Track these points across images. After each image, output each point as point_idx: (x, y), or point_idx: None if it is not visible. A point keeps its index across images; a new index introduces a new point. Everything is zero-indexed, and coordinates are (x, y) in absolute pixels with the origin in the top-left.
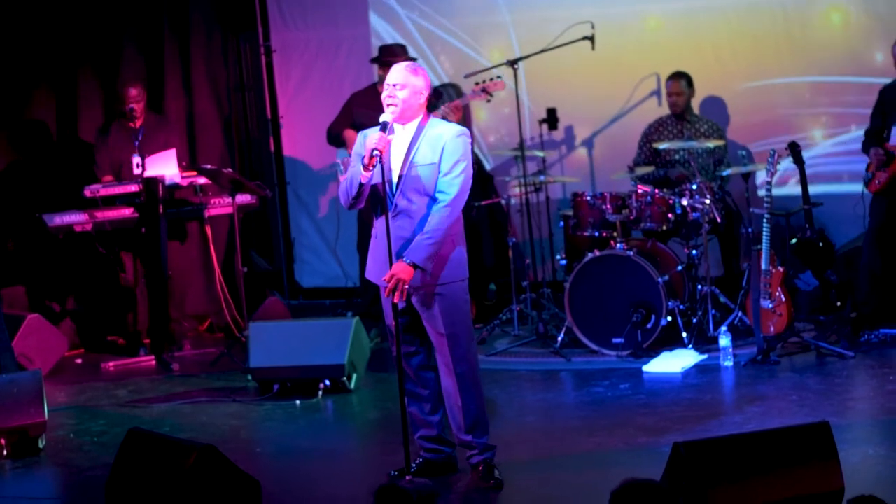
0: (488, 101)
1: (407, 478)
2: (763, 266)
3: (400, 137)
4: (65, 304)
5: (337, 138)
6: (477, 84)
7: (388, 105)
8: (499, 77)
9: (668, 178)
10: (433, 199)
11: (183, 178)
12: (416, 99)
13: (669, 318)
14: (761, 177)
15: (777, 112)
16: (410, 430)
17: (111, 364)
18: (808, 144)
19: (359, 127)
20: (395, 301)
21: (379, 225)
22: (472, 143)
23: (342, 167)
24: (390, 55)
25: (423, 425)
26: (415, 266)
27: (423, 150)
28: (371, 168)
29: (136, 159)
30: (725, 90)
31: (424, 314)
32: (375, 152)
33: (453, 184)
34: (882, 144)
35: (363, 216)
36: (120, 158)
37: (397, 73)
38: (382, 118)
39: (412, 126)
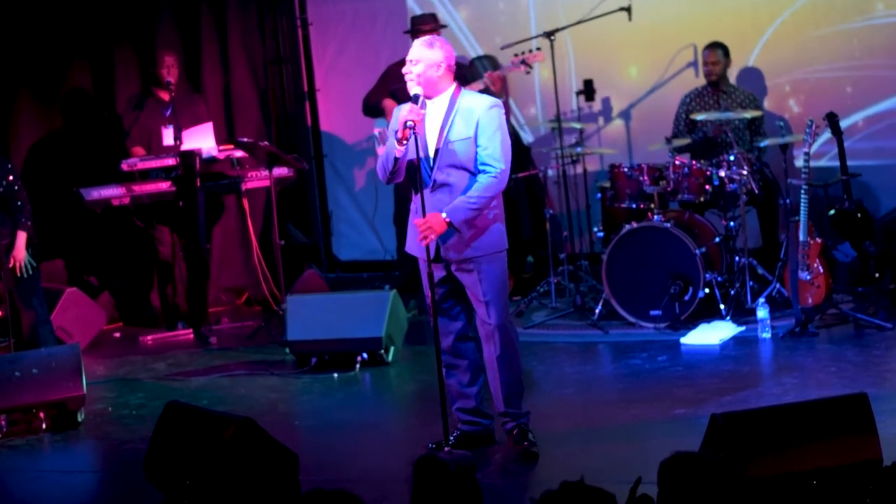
0: (527, 72)
1: (446, 449)
2: (801, 237)
3: (432, 111)
4: (103, 277)
5: (375, 109)
6: (516, 55)
7: (408, 80)
8: (538, 49)
9: (706, 138)
10: (471, 173)
11: (220, 151)
12: (432, 72)
13: (707, 290)
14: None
15: (816, 82)
16: (448, 402)
17: (149, 337)
18: (846, 114)
19: (397, 99)
20: (424, 244)
21: (417, 199)
22: (506, 114)
23: (379, 138)
24: (421, 25)
25: (459, 397)
26: (450, 224)
27: (457, 125)
28: (405, 141)
29: (166, 131)
30: (763, 60)
31: (466, 283)
32: (409, 123)
33: (497, 158)
34: None
35: (400, 190)
36: (149, 129)
37: (413, 47)
38: (412, 91)
39: (443, 99)
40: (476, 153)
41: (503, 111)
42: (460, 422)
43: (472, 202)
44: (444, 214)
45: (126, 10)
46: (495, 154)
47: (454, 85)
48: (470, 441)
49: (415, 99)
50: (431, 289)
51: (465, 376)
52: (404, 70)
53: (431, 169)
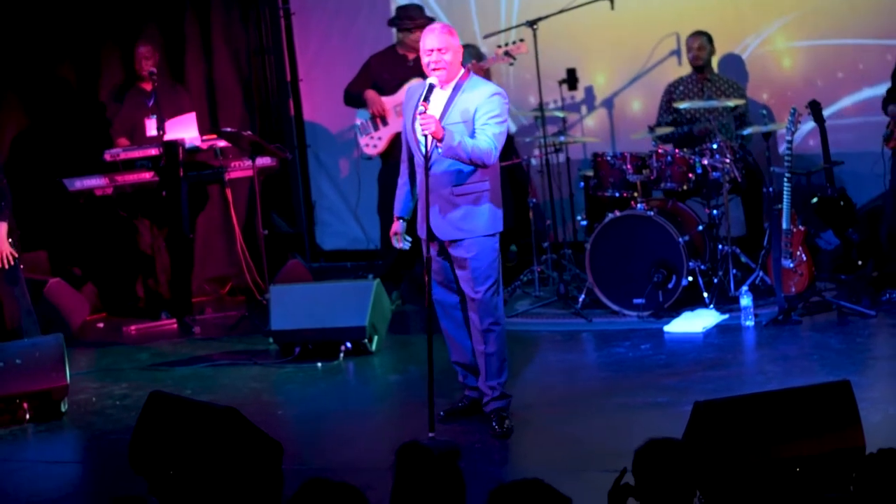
0: (511, 64)
1: (430, 435)
2: (784, 225)
3: (438, 95)
4: (86, 268)
5: (357, 99)
6: (499, 47)
7: (436, 70)
8: (521, 40)
9: (691, 133)
10: None
11: (203, 141)
12: (457, 58)
13: (690, 278)
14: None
15: (799, 70)
16: (459, 377)
17: (133, 327)
18: (829, 102)
19: (379, 89)
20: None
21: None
22: (507, 103)
23: (360, 129)
24: (408, 17)
25: (464, 365)
26: (441, 138)
27: (456, 109)
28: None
29: (149, 122)
30: (746, 48)
31: (456, 260)
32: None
33: (488, 139)
34: None
35: (383, 179)
36: (133, 121)
37: (438, 36)
38: (430, 81)
39: (451, 84)
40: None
41: (505, 101)
42: (467, 388)
43: (466, 143)
44: (445, 127)
45: (112, 6)
46: (488, 133)
47: (463, 69)
48: (477, 407)
49: (430, 89)
50: (428, 273)
51: (464, 335)
52: (432, 59)
53: (430, 150)
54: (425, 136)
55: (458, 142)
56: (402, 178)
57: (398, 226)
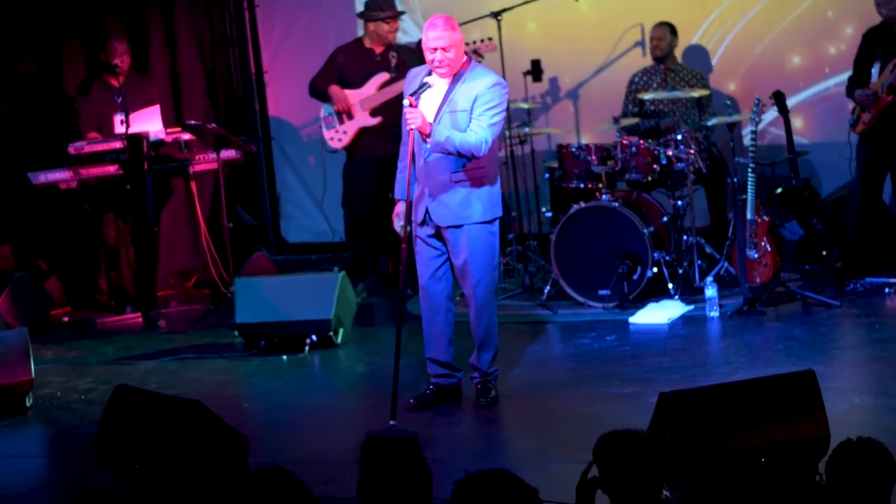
0: (479, 62)
1: (391, 423)
2: (748, 216)
3: (438, 85)
4: (51, 261)
5: (322, 94)
6: (468, 45)
7: (440, 69)
8: (489, 39)
9: (658, 127)
10: None
11: (167, 134)
12: (460, 53)
13: (655, 270)
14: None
15: (763, 61)
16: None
17: (98, 321)
18: (792, 92)
19: (344, 82)
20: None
21: (413, 170)
22: (507, 93)
23: (325, 122)
24: (378, 9)
25: (434, 357)
26: (429, 134)
27: (456, 99)
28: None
29: (118, 117)
30: (711, 39)
31: (451, 243)
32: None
33: (483, 128)
34: (866, 87)
35: (347, 172)
36: (101, 116)
37: (442, 35)
38: (427, 79)
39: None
40: (468, 125)
41: (505, 90)
42: (433, 376)
43: (454, 138)
44: (434, 123)
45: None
46: (483, 125)
47: (464, 59)
48: (444, 393)
49: (423, 87)
50: (403, 255)
51: (444, 330)
52: (439, 59)
53: (426, 141)
54: (410, 130)
55: (445, 137)
56: (403, 162)
57: (400, 207)
